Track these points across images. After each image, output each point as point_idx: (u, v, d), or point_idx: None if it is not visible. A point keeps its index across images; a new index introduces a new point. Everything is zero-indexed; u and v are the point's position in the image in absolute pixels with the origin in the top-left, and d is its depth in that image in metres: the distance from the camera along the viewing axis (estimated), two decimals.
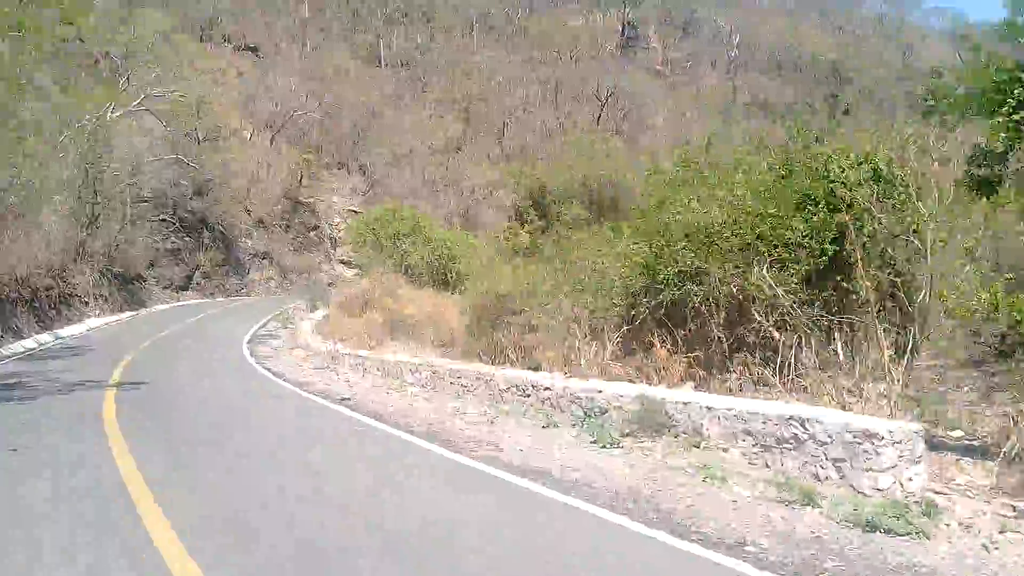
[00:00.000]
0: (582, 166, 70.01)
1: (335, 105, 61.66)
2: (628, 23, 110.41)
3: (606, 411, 8.49)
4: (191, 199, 43.87)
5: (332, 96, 59.84)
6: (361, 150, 62.13)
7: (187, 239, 42.30)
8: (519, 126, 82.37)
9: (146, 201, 39.93)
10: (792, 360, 9.29)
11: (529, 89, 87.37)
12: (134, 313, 31.92)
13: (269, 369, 16.78)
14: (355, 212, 56.54)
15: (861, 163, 10.59)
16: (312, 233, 52.84)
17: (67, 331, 24.88)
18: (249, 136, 54.28)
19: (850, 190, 10.14)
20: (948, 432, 7.85)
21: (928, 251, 9.53)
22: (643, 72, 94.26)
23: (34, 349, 20.60)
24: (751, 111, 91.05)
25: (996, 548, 4.69)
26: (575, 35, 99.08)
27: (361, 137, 62.95)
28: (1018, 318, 7.63)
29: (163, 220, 40.84)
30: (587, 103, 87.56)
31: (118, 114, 34.22)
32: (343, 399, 11.71)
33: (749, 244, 11.11)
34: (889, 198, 10.23)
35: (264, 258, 47.93)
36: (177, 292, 39.81)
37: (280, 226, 50.64)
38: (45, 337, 22.89)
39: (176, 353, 19.29)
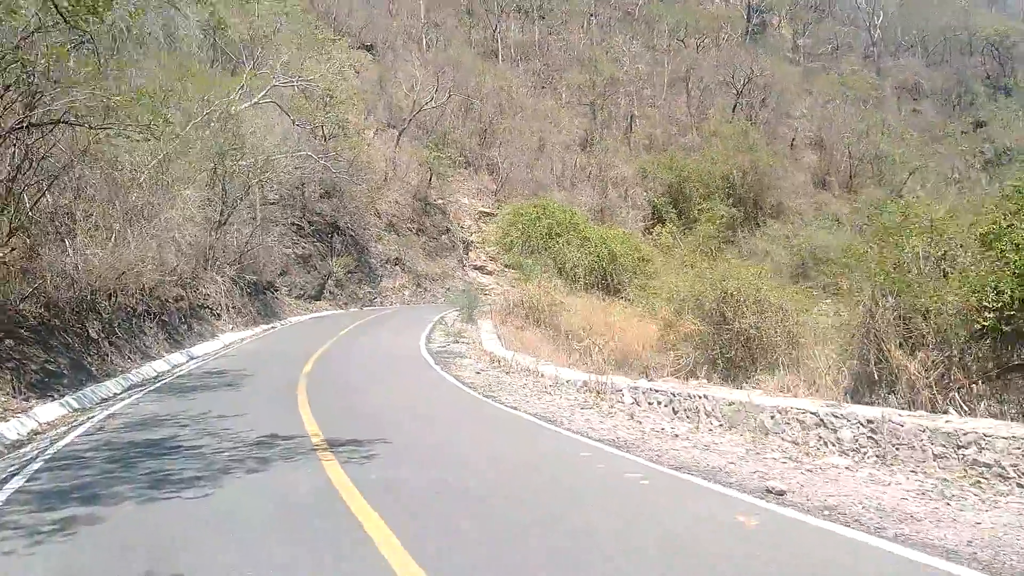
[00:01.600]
0: (724, 159, 64.49)
1: (458, 101, 57.63)
2: (754, 7, 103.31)
3: None
4: (320, 201, 40.31)
5: (455, 92, 55.67)
6: (488, 147, 57.84)
7: (317, 244, 38.66)
8: (648, 118, 77.04)
9: (273, 203, 36.44)
10: None
11: (656, 79, 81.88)
12: (269, 327, 28.08)
13: (511, 406, 12.27)
14: (487, 213, 52.29)
15: None
16: (444, 237, 48.68)
17: (200, 349, 20.99)
18: (373, 134, 50.63)
19: None
20: None
21: None
22: (777, 58, 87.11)
23: (167, 373, 16.60)
24: (901, 98, 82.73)
25: None
26: (701, 22, 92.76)
27: (487, 134, 58.70)
28: None
29: (292, 223, 37.25)
30: (719, 93, 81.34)
31: (245, 105, 30.60)
32: (771, 490, 6.56)
33: None
34: None
35: (396, 264, 43.97)
36: (309, 302, 36.08)
37: (411, 229, 46.67)
38: (177, 357, 18.95)
39: (361, 383, 14.90)
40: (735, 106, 78.20)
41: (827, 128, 72.69)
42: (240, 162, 28.86)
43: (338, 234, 40.38)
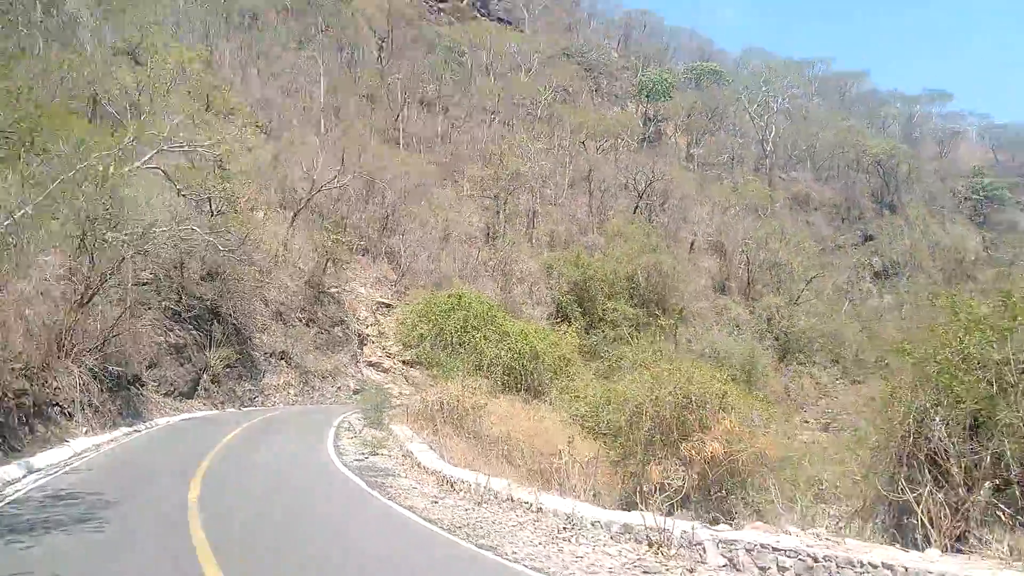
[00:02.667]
0: (628, 260, 63.92)
1: (360, 184, 54.96)
2: (650, 116, 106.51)
3: None
4: (201, 283, 36.19)
5: (357, 174, 53.03)
6: (389, 235, 55.08)
7: (195, 332, 34.41)
8: (550, 216, 76.37)
9: (147, 283, 32.31)
10: None
11: (559, 179, 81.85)
12: (133, 430, 23.73)
13: (536, 568, 8.77)
14: (385, 304, 49.08)
15: None
16: (337, 329, 45.00)
17: (45, 458, 16.76)
18: (263, 214, 47.02)
19: None
20: None
21: None
22: (675, 165, 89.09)
23: None
24: (794, 209, 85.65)
25: None
26: (600, 126, 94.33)
27: (389, 220, 56.00)
28: None
29: (167, 308, 33.02)
30: (620, 194, 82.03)
31: (127, 169, 26.82)
32: None
33: None
34: None
35: (282, 358, 39.93)
36: (180, 400, 31.58)
37: (301, 319, 42.85)
38: (12, 471, 14.81)
39: (284, 520, 11.25)
40: (636, 208, 78.78)
41: (726, 234, 73.75)
42: (115, 232, 24.92)
43: (219, 322, 36.23)
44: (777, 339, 65.59)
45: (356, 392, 42.98)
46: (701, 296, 68.71)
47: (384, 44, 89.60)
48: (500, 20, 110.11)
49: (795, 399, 60.77)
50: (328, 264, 45.96)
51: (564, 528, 10.28)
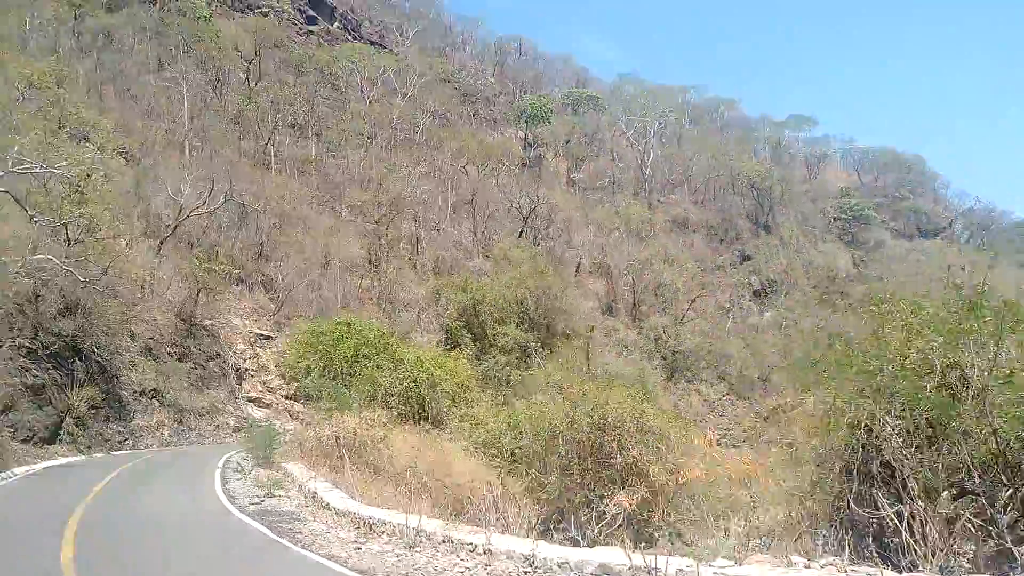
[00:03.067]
0: (516, 284, 63.76)
1: (232, 210, 52.40)
2: (530, 142, 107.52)
3: None
4: (59, 318, 33.18)
5: (226, 200, 50.46)
6: (265, 262, 52.71)
7: (54, 372, 31.42)
8: (434, 242, 75.44)
9: None
10: None
11: (441, 204, 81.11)
12: None
13: None
14: (264, 336, 46.74)
15: None
16: (212, 363, 42.39)
17: None
18: (126, 244, 43.98)
19: None
20: None
21: None
22: (558, 189, 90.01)
23: None
24: (674, 232, 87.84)
25: None
26: (481, 151, 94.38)
27: (264, 248, 53.61)
28: None
29: (22, 346, 30.02)
30: (504, 219, 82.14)
31: None
32: None
33: None
34: None
35: (154, 397, 37.13)
36: (41, 446, 28.60)
37: (173, 355, 40.10)
38: None
39: None
40: (521, 232, 78.91)
41: (611, 256, 74.70)
42: None
43: (81, 359, 33.26)
44: (664, 358, 66.69)
45: (237, 430, 40.51)
46: (589, 319, 69.09)
47: (251, 66, 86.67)
48: (373, 43, 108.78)
49: (685, 416, 61.84)
50: (200, 295, 43.33)
51: (525, 573, 9.04)
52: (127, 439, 34.26)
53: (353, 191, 74.08)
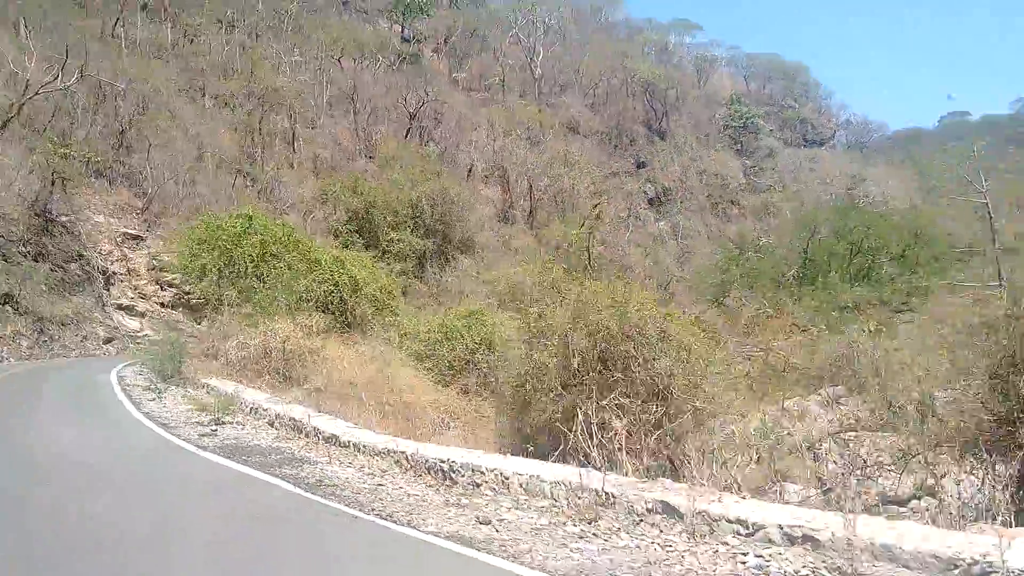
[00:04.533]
0: (410, 187, 60.46)
1: (87, 90, 46.12)
2: (406, 38, 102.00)
3: None
4: None
5: (79, 78, 44.14)
6: (128, 154, 46.95)
7: None
8: (311, 140, 70.38)
9: None
10: None
11: (317, 99, 75.61)
12: None
13: None
14: (133, 236, 41.74)
15: None
16: (75, 265, 37.35)
17: None
18: None
19: None
20: None
21: None
22: (442, 88, 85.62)
23: None
24: (567, 136, 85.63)
25: None
26: (354, 42, 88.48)
27: (125, 137, 47.65)
28: None
29: None
30: (386, 117, 77.68)
31: None
32: None
33: None
34: None
35: (6, 303, 32.13)
36: None
37: (27, 254, 34.88)
38: None
39: None
40: (408, 132, 74.77)
41: (508, 159, 71.86)
42: None
43: None
44: (565, 268, 65.18)
45: (108, 341, 36.16)
46: (486, 226, 66.54)
47: None
48: None
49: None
50: (56, 186, 37.84)
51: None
52: None
53: (217, 81, 67.62)
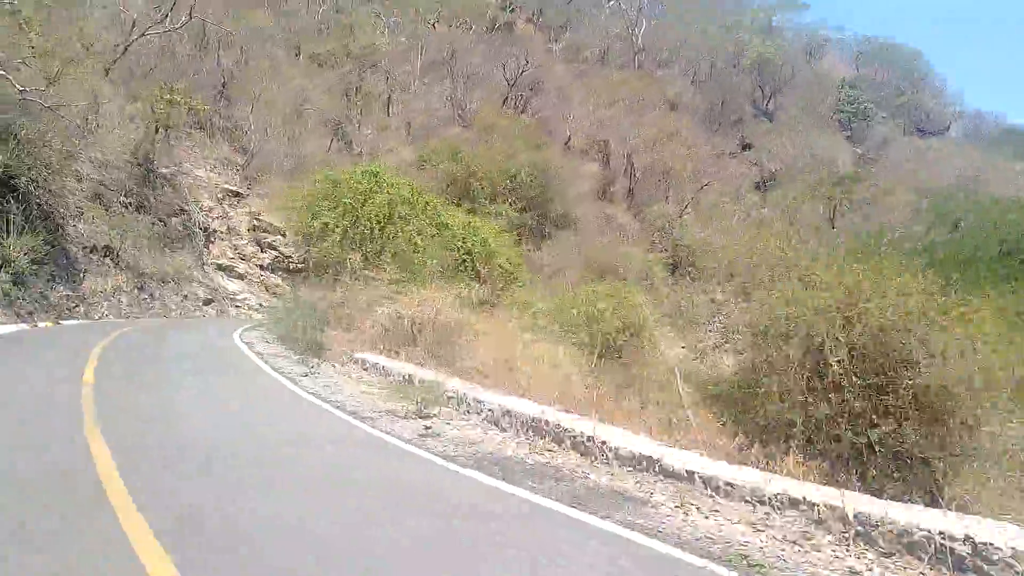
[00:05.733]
0: (509, 156, 57.36)
1: (187, 41, 44.01)
2: (502, 6, 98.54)
3: None
4: None
5: (189, 19, 41.96)
6: (231, 106, 44.77)
7: None
8: (405, 104, 67.73)
9: None
10: None
11: (411, 64, 72.89)
12: None
13: None
14: (235, 194, 39.53)
15: None
16: (177, 220, 35.23)
17: None
18: (56, 72, 35.73)
19: None
20: None
21: None
22: (544, 55, 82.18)
23: None
24: (670, 114, 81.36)
25: None
26: (449, 10, 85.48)
27: (225, 90, 45.47)
28: None
29: None
30: (481, 84, 74.51)
31: None
32: None
33: None
34: None
35: (107, 255, 30.04)
36: None
37: (129, 205, 32.78)
38: None
39: None
40: (505, 100, 71.66)
41: (611, 133, 68.20)
42: None
43: (16, 199, 25.86)
44: (666, 252, 61.65)
45: (207, 303, 33.97)
46: (584, 202, 63.12)
47: None
48: None
49: (688, 317, 57.35)
50: (160, 134, 35.70)
51: None
52: (77, 305, 27.38)
53: (312, 40, 65.39)
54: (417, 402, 10.85)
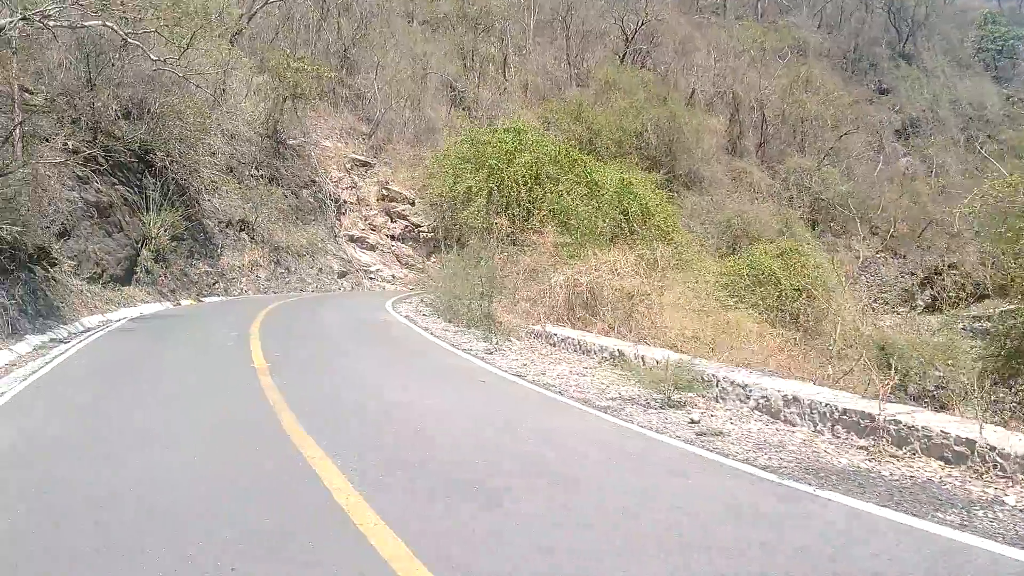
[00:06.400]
0: (635, 113, 54.47)
1: (305, 11, 42.95)
2: None
3: None
4: (118, 120, 24.85)
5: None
6: (352, 75, 43.62)
7: (121, 188, 23.38)
8: (522, 65, 65.42)
9: (43, 108, 21.25)
10: None
11: (524, 21, 70.43)
12: (51, 341, 13.50)
13: None
14: (363, 163, 38.35)
15: None
16: (307, 192, 34.28)
17: None
18: (187, 40, 35.01)
19: None
20: None
21: None
22: (660, 7, 78.33)
23: None
24: (792, 59, 76.42)
25: None
26: None
27: (347, 58, 44.28)
28: None
29: (74, 150, 21.67)
30: (597, 42, 71.47)
31: None
32: None
33: None
34: None
35: (243, 230, 29.25)
36: (113, 288, 20.85)
37: (261, 178, 31.92)
38: None
39: None
40: (624, 55, 68.49)
41: (739, 83, 64.25)
42: None
43: (152, 174, 25.08)
44: (805, 207, 57.80)
45: (341, 276, 32.93)
46: (712, 158, 59.71)
47: None
48: None
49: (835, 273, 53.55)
50: (287, 104, 34.70)
51: None
52: (216, 281, 26.64)
53: (426, 4, 63.72)
54: (666, 387, 8.82)
